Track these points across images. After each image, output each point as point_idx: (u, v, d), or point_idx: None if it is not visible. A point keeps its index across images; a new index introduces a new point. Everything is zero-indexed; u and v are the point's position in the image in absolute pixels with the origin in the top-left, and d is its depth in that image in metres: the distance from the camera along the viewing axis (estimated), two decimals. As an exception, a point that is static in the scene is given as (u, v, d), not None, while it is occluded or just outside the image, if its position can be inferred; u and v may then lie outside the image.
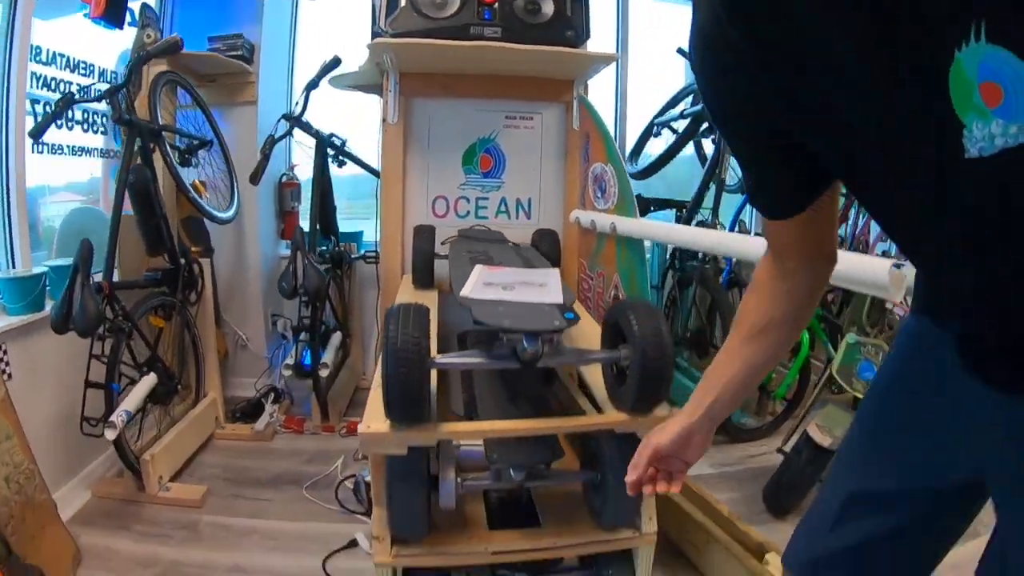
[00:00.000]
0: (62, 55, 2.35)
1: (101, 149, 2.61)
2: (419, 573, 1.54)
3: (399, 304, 1.37)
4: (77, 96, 2.16)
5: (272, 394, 2.87)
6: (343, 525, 2.10)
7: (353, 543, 2.00)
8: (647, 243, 2.29)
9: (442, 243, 2.21)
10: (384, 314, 1.40)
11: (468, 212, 2.49)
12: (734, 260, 2.84)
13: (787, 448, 2.16)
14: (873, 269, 1.03)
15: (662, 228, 2.21)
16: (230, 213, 2.67)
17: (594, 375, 1.60)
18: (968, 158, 0.40)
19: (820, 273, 0.83)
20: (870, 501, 0.83)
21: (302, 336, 2.67)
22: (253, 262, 3.07)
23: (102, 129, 2.59)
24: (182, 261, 2.45)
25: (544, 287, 1.50)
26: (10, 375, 1.96)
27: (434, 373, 1.49)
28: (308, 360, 2.90)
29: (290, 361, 2.66)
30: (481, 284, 1.48)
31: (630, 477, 0.91)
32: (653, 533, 1.56)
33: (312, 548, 1.97)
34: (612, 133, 2.61)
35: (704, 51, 0.63)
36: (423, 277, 2.18)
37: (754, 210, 0.78)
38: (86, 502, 2.22)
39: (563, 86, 2.43)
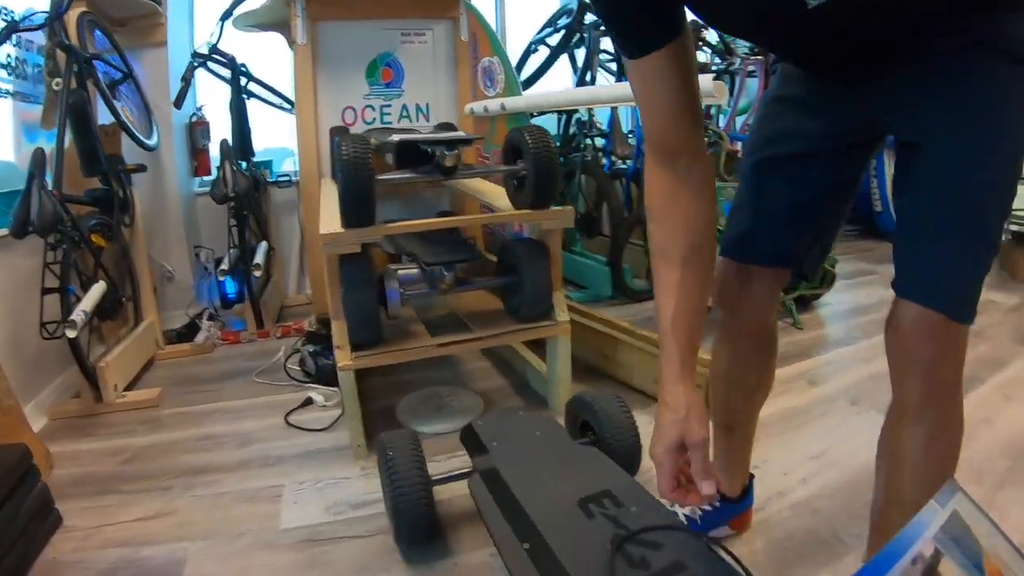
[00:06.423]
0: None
1: (11, 91, 2.65)
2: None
3: (344, 135, 1.67)
4: (20, 24, 2.26)
5: (206, 314, 3.02)
6: (296, 393, 2.31)
7: (308, 401, 2.23)
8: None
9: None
10: (331, 134, 1.74)
11: (374, 119, 2.81)
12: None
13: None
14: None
15: (543, 96, 2.55)
16: (153, 140, 2.81)
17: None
18: (810, 8, 0.70)
19: (704, 168, 0.92)
20: (781, 159, 1.04)
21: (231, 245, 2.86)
22: (172, 199, 3.17)
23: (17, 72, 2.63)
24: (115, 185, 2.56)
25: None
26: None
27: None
28: (232, 291, 3.09)
29: (224, 267, 2.82)
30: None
31: (667, 491, 0.88)
32: (567, 322, 1.92)
33: (272, 413, 2.18)
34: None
35: None
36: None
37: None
38: (43, 425, 2.19)
39: (450, 3, 2.77)
